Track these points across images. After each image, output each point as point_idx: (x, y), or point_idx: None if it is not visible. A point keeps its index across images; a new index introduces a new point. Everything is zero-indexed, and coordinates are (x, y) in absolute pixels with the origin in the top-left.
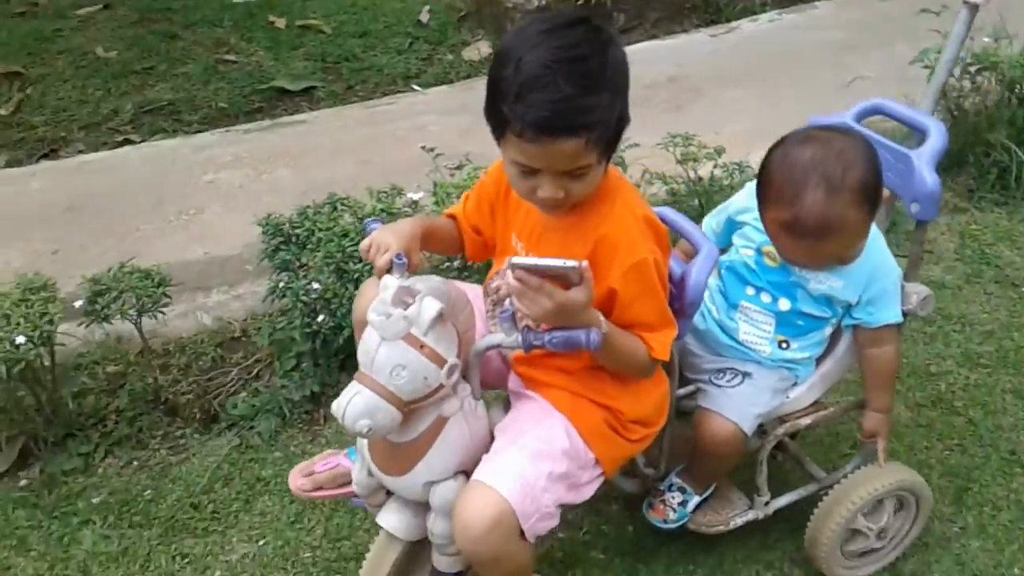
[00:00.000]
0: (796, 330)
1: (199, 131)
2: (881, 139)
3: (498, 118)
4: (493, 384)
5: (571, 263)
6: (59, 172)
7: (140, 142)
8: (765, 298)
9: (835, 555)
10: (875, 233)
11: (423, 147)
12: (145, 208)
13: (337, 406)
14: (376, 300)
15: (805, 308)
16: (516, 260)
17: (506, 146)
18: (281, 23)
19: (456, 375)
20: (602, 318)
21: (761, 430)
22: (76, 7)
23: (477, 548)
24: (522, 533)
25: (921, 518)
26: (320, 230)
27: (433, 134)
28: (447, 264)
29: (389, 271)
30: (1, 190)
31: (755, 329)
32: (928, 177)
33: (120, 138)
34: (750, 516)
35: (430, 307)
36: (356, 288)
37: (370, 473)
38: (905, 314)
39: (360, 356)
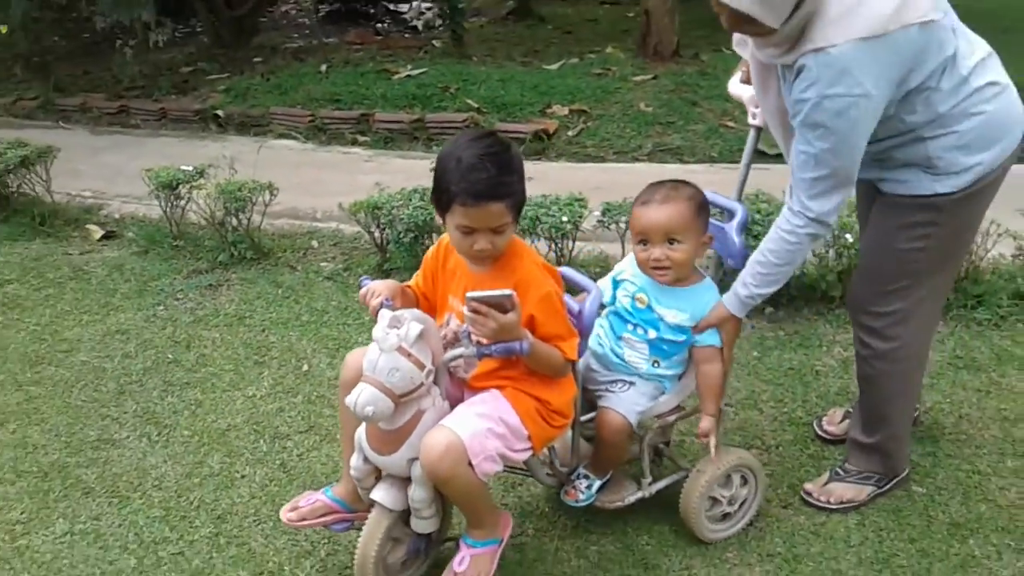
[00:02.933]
0: (663, 353)
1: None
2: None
3: (446, 197)
4: (452, 402)
5: (507, 291)
6: (601, 170)
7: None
8: (639, 331)
9: (702, 519)
10: (710, 284)
11: None
12: None
13: (351, 398)
14: (376, 326)
15: (666, 335)
16: (470, 294)
17: (451, 216)
18: None
19: (431, 378)
20: (528, 333)
21: (641, 430)
22: (634, 75)
23: (434, 468)
24: (471, 466)
25: (760, 489)
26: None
27: None
28: None
29: (380, 310)
30: (565, 175)
31: (635, 353)
32: (736, 240)
33: (638, 164)
34: (639, 495)
35: (415, 327)
36: None
37: (365, 460)
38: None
39: (364, 365)
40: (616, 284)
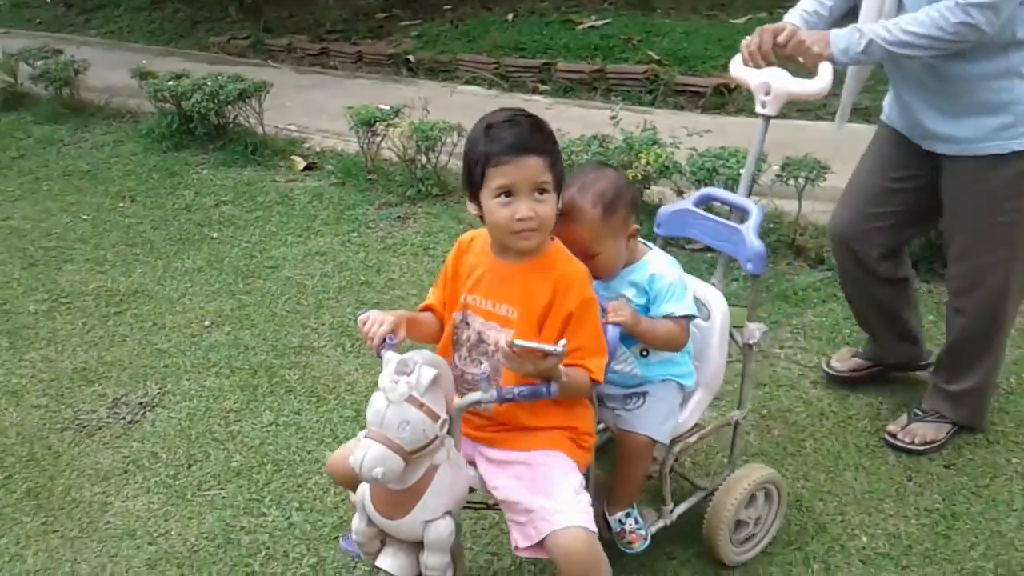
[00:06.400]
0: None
1: None
2: (719, 219)
3: (479, 165)
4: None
5: (559, 348)
6: (782, 127)
7: None
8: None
9: (727, 543)
10: (656, 253)
11: None
12: None
13: (354, 459)
14: (382, 373)
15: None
16: (518, 342)
17: (487, 186)
18: None
19: (446, 428)
20: (561, 373)
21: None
22: None
23: (586, 571)
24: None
25: (782, 505)
26: None
27: None
28: None
29: (382, 345)
30: (744, 130)
31: (618, 360)
32: (755, 242)
33: (821, 122)
34: (660, 524)
35: (427, 373)
36: None
37: (369, 523)
38: (750, 346)
39: (370, 417)
40: None
